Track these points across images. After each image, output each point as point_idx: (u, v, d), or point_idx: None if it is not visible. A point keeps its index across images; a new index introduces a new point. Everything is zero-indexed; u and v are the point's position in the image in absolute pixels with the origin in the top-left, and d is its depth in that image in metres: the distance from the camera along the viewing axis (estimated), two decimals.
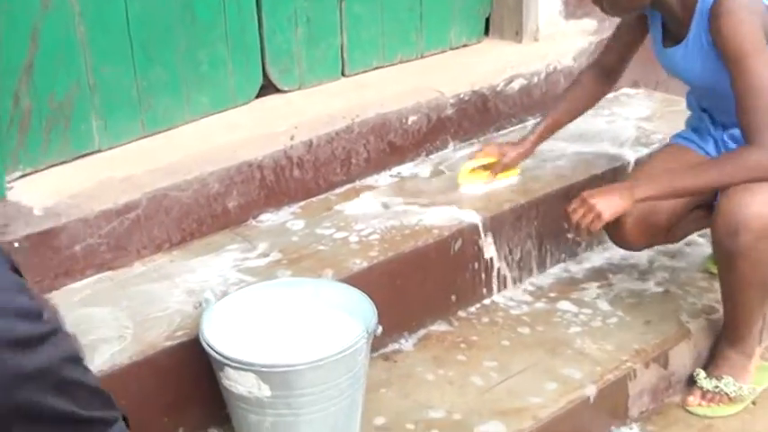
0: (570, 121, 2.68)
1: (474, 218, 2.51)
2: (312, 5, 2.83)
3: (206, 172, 2.44)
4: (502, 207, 2.58)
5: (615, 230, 2.39)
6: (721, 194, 2.18)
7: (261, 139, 2.59)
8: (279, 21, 2.78)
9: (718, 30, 2.16)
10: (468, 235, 2.49)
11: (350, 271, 2.30)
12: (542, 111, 3.10)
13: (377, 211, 2.57)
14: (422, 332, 2.48)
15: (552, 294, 2.63)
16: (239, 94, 2.77)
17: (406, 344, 2.44)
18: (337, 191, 2.70)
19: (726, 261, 2.23)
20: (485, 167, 2.64)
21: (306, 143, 2.60)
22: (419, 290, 2.43)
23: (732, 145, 2.39)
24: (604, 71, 2.64)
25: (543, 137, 2.66)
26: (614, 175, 2.76)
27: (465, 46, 3.23)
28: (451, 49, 3.20)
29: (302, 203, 2.63)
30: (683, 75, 2.41)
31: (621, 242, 2.46)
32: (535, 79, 3.09)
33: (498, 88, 3.00)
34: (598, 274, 2.72)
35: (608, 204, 2.19)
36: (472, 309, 2.57)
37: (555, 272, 2.74)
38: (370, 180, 2.76)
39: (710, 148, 2.46)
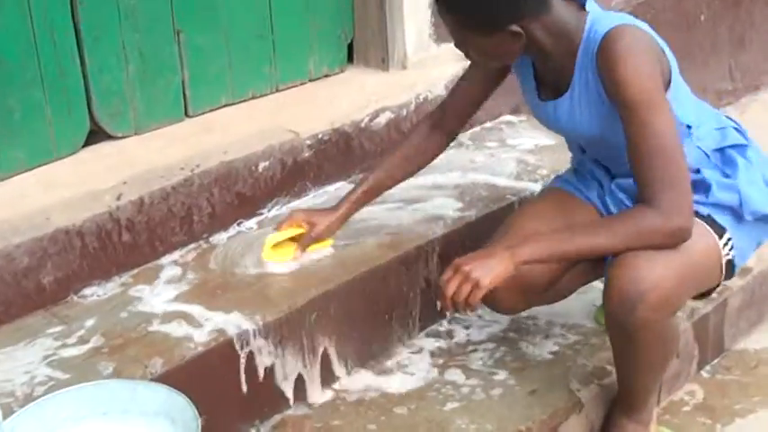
0: (395, 183, 2.28)
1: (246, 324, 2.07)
2: (144, 38, 2.47)
3: (11, 244, 2.06)
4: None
5: (486, 294, 2.07)
6: (613, 261, 1.89)
7: (82, 200, 2.22)
8: (104, 57, 2.41)
9: (609, 75, 1.85)
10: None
11: (182, 358, 1.96)
12: None
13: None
14: (276, 418, 2.15)
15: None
16: (62, 144, 2.40)
17: None
18: (177, 254, 2.34)
19: (620, 335, 1.95)
20: (293, 239, 2.24)
21: (135, 202, 2.24)
22: None
23: (619, 195, 2.10)
24: (444, 121, 2.26)
25: (359, 203, 2.25)
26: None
27: (326, 76, 2.90)
28: (311, 80, 2.87)
29: (135, 271, 2.27)
30: (569, 129, 2.09)
31: (494, 306, 2.16)
32: (404, 112, 2.77)
33: (363, 124, 2.68)
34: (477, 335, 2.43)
35: (486, 270, 1.85)
36: (336, 385, 2.25)
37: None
38: (217, 237, 2.41)
39: (593, 195, 2.18)
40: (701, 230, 1.91)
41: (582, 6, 1.94)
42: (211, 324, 2.05)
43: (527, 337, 2.39)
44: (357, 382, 2.26)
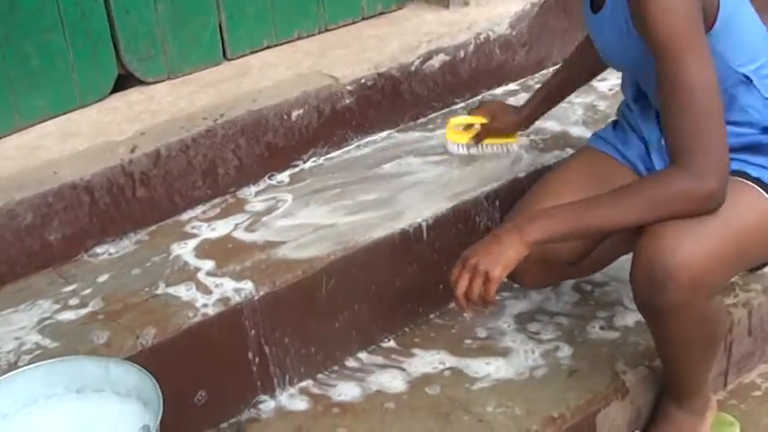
0: (570, 92, 2.22)
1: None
2: None
3: (13, 200, 1.96)
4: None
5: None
6: (639, 236, 1.64)
7: (95, 152, 2.10)
8: None
9: (636, 5, 1.58)
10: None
11: (178, 328, 1.82)
12: (473, 91, 2.58)
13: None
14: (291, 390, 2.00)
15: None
16: (87, 90, 2.27)
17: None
18: (199, 209, 2.20)
19: (652, 319, 1.71)
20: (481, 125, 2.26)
21: (151, 155, 2.10)
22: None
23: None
24: None
25: (538, 111, 2.21)
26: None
27: (381, 14, 2.68)
28: (364, 18, 2.65)
29: (152, 228, 2.14)
30: (603, 53, 1.86)
31: (519, 282, 1.93)
32: (461, 53, 2.53)
33: (413, 68, 2.46)
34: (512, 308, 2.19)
35: (494, 259, 1.61)
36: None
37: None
38: (246, 192, 2.25)
39: (633, 154, 1.91)
40: (748, 194, 1.64)
41: None
42: (220, 291, 1.90)
43: (575, 310, 2.15)
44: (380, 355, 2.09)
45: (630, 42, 1.67)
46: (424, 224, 2.09)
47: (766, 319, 2.16)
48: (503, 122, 2.21)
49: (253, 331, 1.90)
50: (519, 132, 2.28)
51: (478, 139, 2.25)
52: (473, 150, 2.27)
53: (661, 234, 1.58)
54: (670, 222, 1.58)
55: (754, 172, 1.69)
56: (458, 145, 2.27)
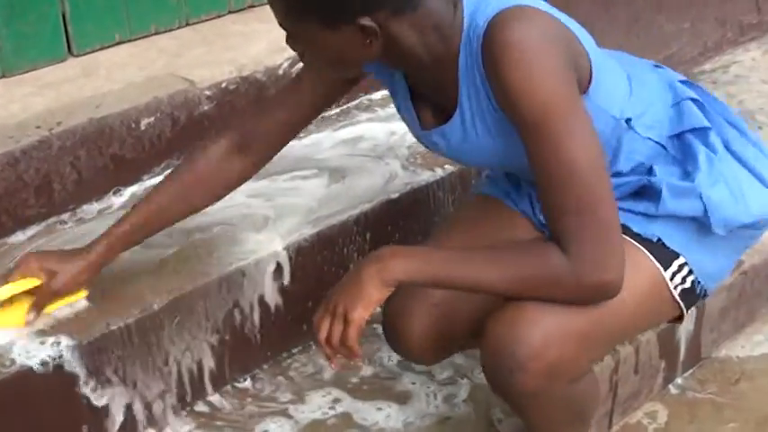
0: (174, 218, 1.68)
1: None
2: None
3: None
4: None
5: (397, 342, 1.64)
6: (490, 312, 1.44)
7: None
8: None
9: (497, 80, 1.33)
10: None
11: None
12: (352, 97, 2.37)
13: None
14: None
15: None
16: None
17: None
18: (34, 229, 1.94)
19: (508, 401, 1.51)
20: (31, 293, 1.62)
21: None
22: None
23: None
24: (251, 144, 1.66)
25: (120, 245, 1.64)
26: None
27: (250, 8, 2.45)
28: (231, 12, 2.42)
29: None
30: (472, 162, 1.63)
31: (408, 357, 1.72)
32: None
33: (281, 71, 2.23)
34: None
35: (353, 300, 1.38)
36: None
37: None
38: (87, 209, 2.01)
39: (526, 204, 1.69)
40: (630, 258, 1.40)
41: None
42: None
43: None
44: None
45: (506, 129, 1.41)
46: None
47: (654, 353, 2.01)
48: (64, 278, 1.60)
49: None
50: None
51: (38, 309, 1.62)
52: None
53: (512, 316, 1.38)
54: (522, 303, 1.38)
55: (635, 226, 1.51)
56: (9, 330, 1.61)
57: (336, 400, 1.86)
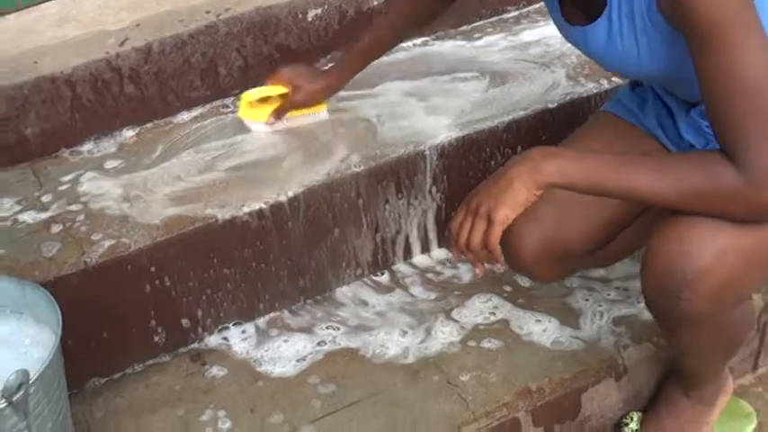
0: (396, 42, 1.90)
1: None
2: None
3: None
4: None
5: (511, 256, 1.58)
6: (658, 224, 1.35)
7: (83, 42, 1.95)
8: None
9: None
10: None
11: (127, 248, 1.68)
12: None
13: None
14: None
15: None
16: None
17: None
18: (197, 110, 2.03)
19: (665, 326, 1.46)
20: (282, 96, 1.89)
21: (141, 49, 1.93)
22: None
23: (703, 123, 1.51)
24: None
25: (356, 66, 1.85)
26: None
27: None
28: None
29: (144, 127, 1.99)
30: (612, 65, 1.51)
31: (529, 275, 1.69)
32: None
33: None
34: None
35: (499, 199, 1.32)
36: None
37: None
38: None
39: (652, 123, 1.59)
40: None
41: None
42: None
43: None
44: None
45: (658, 41, 1.34)
46: None
47: None
48: (307, 91, 1.86)
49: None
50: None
51: (279, 113, 1.90)
52: (277, 127, 1.93)
53: (682, 232, 1.29)
54: (690, 219, 1.29)
55: None
56: (255, 123, 1.92)
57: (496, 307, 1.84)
